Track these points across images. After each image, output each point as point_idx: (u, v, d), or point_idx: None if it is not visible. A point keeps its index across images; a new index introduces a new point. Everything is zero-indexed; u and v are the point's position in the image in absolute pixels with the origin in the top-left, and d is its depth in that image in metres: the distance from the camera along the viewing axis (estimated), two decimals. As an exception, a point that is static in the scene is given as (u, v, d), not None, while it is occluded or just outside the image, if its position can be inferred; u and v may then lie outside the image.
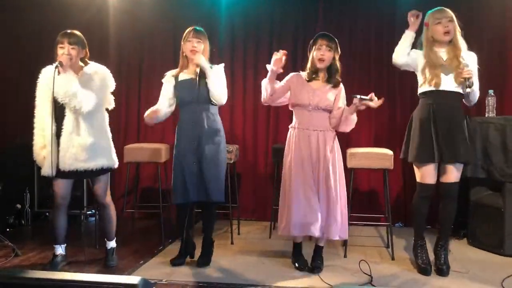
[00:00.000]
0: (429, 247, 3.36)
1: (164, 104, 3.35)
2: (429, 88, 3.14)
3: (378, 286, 2.96)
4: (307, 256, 3.33)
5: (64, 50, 3.08)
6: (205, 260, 3.36)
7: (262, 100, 3.25)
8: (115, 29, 5.00)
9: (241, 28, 4.92)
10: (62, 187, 3.19)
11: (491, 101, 3.84)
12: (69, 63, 3.05)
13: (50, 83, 3.04)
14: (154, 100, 4.93)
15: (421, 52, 3.20)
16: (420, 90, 3.23)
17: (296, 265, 3.28)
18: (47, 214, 4.72)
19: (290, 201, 3.12)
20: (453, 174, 3.16)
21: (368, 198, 4.70)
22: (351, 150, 3.77)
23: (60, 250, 3.28)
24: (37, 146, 3.18)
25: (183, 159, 3.26)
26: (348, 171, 3.62)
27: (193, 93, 3.23)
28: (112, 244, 3.40)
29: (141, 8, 4.91)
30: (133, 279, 1.42)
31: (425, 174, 3.17)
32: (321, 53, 3.12)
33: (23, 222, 4.55)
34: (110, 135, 3.32)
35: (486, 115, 3.83)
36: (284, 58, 2.97)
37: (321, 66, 3.15)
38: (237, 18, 4.90)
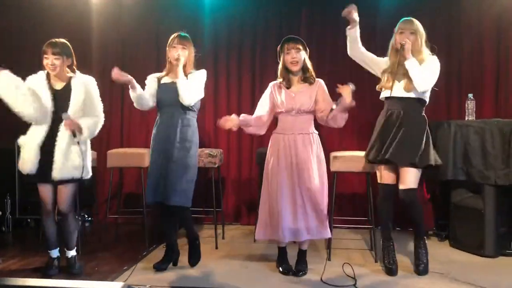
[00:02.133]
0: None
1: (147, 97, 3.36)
2: (384, 94, 3.36)
3: (362, 288, 2.99)
4: (292, 260, 3.34)
5: (48, 61, 3.14)
6: (195, 259, 3.41)
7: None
8: (98, 33, 4.96)
9: (225, 32, 4.93)
10: (45, 191, 3.20)
11: (470, 104, 3.91)
12: (55, 73, 3.15)
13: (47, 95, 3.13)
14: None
15: (386, 59, 3.38)
16: (381, 94, 3.43)
17: (280, 269, 3.29)
18: (29, 220, 4.65)
19: (276, 208, 3.14)
20: (406, 179, 3.22)
21: (352, 202, 4.73)
22: (334, 154, 3.80)
23: (53, 254, 3.29)
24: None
25: (154, 159, 3.29)
26: (331, 175, 3.65)
27: (170, 97, 3.25)
28: (72, 252, 3.33)
29: (124, 12, 4.89)
30: (116, 285, 1.41)
31: (382, 174, 3.33)
32: (292, 57, 3.17)
33: (3, 229, 4.47)
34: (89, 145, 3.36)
35: (466, 119, 3.90)
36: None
37: (296, 69, 3.20)
38: (221, 22, 4.91)
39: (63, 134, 3.13)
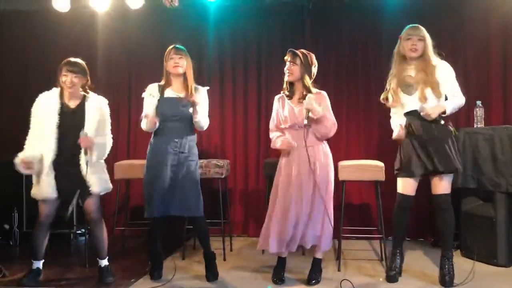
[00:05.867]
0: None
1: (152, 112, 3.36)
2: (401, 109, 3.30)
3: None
4: (306, 269, 3.33)
5: (67, 78, 3.20)
6: (214, 273, 3.39)
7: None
8: (104, 46, 4.99)
9: (229, 44, 4.95)
10: (49, 206, 3.23)
11: (479, 111, 3.88)
12: (72, 90, 3.23)
13: (52, 111, 3.18)
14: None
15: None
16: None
17: (273, 279, 3.28)
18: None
19: (284, 219, 3.13)
20: (440, 185, 3.20)
21: (360, 211, 4.69)
22: (342, 163, 3.77)
23: (38, 265, 3.32)
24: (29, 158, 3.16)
25: (157, 173, 3.27)
26: (339, 184, 3.62)
27: (176, 111, 3.27)
28: (105, 262, 3.38)
29: (130, 25, 4.92)
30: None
31: (406, 185, 3.25)
32: (286, 68, 3.26)
33: (11, 242, 4.46)
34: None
35: (475, 126, 3.87)
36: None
37: (289, 79, 3.27)
38: (225, 34, 4.93)
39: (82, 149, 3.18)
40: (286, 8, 4.80)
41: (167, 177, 3.25)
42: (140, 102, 4.82)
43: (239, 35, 4.93)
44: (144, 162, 4.10)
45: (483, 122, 3.87)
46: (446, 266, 3.20)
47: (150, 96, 3.37)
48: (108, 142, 3.35)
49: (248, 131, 4.92)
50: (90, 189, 3.20)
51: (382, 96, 3.38)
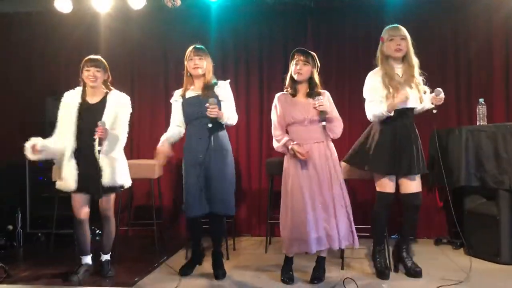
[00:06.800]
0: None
1: (176, 123, 3.45)
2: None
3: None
4: (308, 267, 3.34)
5: (89, 73, 3.31)
6: (222, 271, 3.42)
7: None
8: (106, 47, 4.99)
9: (231, 45, 4.95)
10: (78, 200, 3.30)
11: (481, 109, 3.87)
12: (95, 84, 3.33)
13: (73, 107, 3.30)
14: (145, 116, 4.98)
15: (378, 77, 3.33)
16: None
17: (282, 278, 3.28)
18: (40, 234, 4.64)
19: (301, 220, 3.10)
20: (416, 184, 3.31)
21: (363, 210, 4.67)
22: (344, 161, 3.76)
23: (86, 260, 3.40)
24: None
25: (191, 173, 3.30)
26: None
27: (200, 109, 3.26)
28: (107, 257, 3.46)
29: (132, 25, 4.93)
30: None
31: (387, 184, 3.34)
32: (298, 68, 3.22)
33: (14, 243, 4.47)
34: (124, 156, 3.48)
35: (478, 124, 3.87)
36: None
37: (299, 79, 3.24)
38: (227, 35, 4.93)
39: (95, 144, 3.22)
40: (288, 8, 4.80)
41: (201, 176, 3.27)
42: (143, 102, 4.91)
43: (241, 35, 4.93)
44: (147, 161, 4.16)
45: (485, 120, 3.87)
46: (411, 258, 3.41)
47: (175, 102, 3.45)
48: (121, 136, 3.36)
49: (251, 130, 4.92)
50: (101, 180, 3.23)
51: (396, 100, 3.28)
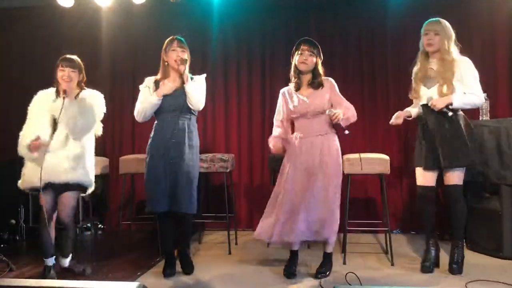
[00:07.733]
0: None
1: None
2: (419, 102, 3.31)
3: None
4: (312, 261, 3.35)
5: (64, 73, 3.23)
6: (191, 265, 3.38)
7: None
8: (108, 41, 5.00)
9: (234, 40, 4.94)
10: (49, 201, 3.21)
11: (484, 104, 3.85)
12: (69, 85, 3.22)
13: (48, 105, 3.23)
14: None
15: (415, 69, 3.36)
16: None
17: (284, 272, 3.27)
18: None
19: (290, 210, 3.13)
20: (455, 176, 3.23)
21: (366, 205, 4.69)
22: (347, 156, 3.75)
23: (51, 262, 3.28)
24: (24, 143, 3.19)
25: (157, 166, 3.21)
26: (344, 177, 3.61)
27: (176, 102, 3.22)
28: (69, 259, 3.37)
29: (133, 20, 4.92)
30: (132, 285, 1.40)
31: (426, 178, 3.28)
32: (303, 58, 3.20)
33: (17, 237, 4.49)
34: (93, 160, 3.37)
35: (480, 119, 3.86)
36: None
37: (304, 69, 3.22)
38: (229, 30, 4.92)
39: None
40: (290, 2, 4.78)
41: (168, 170, 3.19)
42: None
43: (243, 29, 4.92)
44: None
45: (488, 115, 3.85)
46: (455, 256, 3.25)
47: (146, 88, 3.32)
48: (84, 125, 3.23)
49: (253, 125, 4.92)
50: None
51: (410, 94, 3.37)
